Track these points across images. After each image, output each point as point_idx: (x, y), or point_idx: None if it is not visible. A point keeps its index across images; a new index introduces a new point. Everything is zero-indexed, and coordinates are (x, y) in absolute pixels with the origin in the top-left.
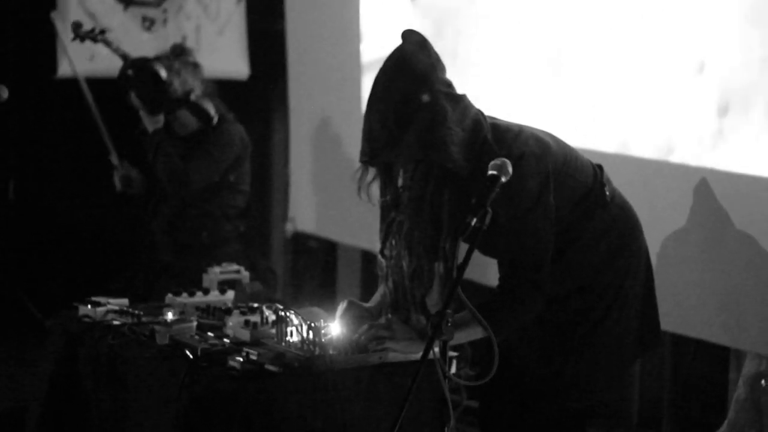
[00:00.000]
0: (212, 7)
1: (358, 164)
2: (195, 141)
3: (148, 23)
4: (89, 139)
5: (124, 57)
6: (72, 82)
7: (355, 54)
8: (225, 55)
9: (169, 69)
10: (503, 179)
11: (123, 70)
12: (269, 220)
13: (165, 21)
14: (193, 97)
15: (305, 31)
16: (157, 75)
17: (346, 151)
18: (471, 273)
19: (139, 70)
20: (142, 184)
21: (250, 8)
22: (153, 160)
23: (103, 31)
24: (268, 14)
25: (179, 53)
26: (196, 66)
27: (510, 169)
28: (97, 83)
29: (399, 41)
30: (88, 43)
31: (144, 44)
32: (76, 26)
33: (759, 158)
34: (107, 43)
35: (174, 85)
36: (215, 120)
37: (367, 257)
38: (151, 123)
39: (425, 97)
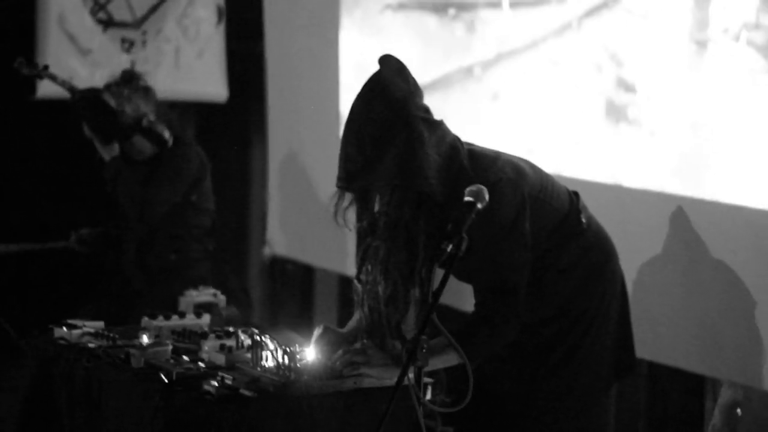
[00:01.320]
0: (191, 29)
1: (334, 189)
2: (153, 165)
3: (128, 45)
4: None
5: (72, 90)
6: (51, 103)
7: (334, 77)
8: (204, 78)
9: (119, 96)
10: (479, 206)
11: (72, 103)
12: (247, 243)
13: (144, 43)
14: (145, 122)
15: (284, 53)
16: (106, 105)
17: (323, 175)
18: (447, 298)
19: (87, 101)
20: (96, 235)
21: (230, 30)
22: (112, 188)
23: (46, 67)
24: (248, 37)
25: (129, 79)
26: (147, 90)
27: (486, 196)
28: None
29: (377, 66)
30: (64, 64)
31: (123, 66)
32: (20, 65)
33: (735, 187)
34: (53, 78)
35: (126, 112)
36: (170, 143)
37: (345, 282)
38: (107, 152)
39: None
